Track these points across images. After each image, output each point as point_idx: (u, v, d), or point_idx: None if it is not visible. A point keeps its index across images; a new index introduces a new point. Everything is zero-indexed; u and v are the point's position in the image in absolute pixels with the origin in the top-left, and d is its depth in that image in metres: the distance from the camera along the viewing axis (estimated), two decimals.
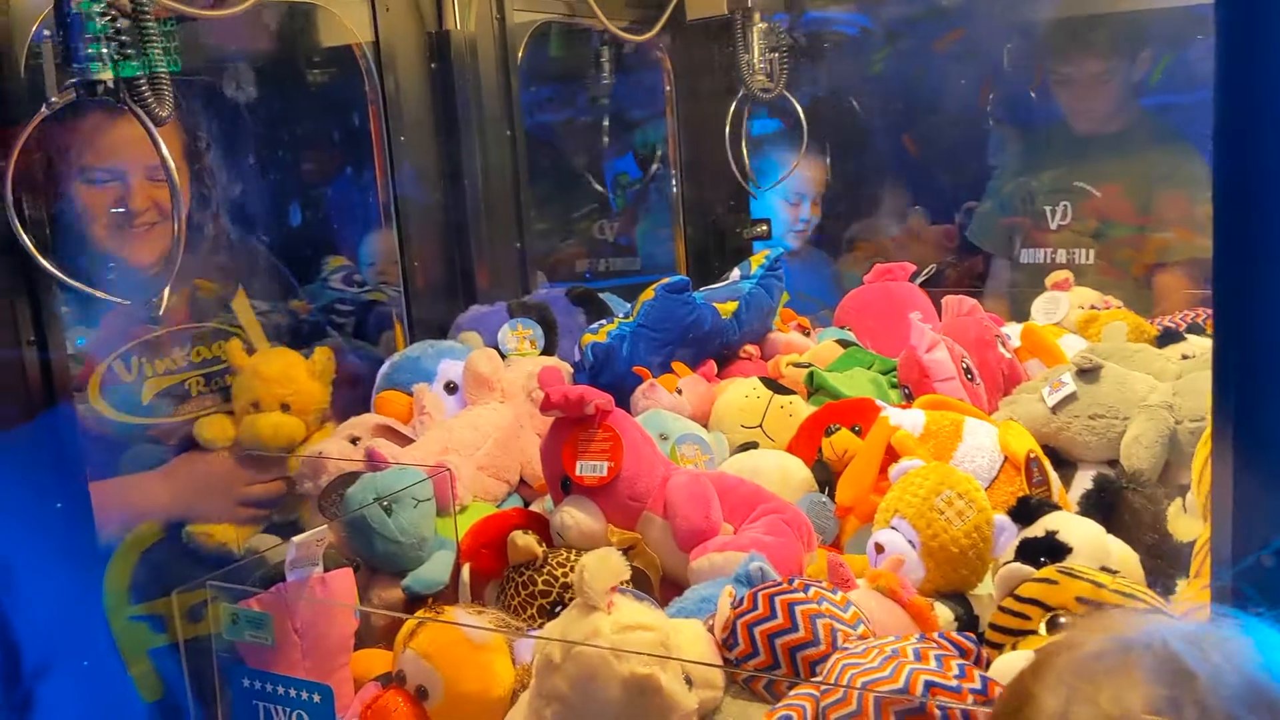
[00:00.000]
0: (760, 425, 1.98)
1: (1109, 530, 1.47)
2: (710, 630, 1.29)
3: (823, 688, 1.13)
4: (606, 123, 3.47)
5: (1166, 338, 2.18)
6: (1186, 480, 1.67)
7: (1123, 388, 1.82)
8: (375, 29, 2.24)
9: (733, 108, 3.12)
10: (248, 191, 2.29)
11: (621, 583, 1.26)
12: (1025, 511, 1.46)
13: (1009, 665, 1.17)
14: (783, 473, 1.81)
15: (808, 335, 2.49)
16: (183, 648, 1.37)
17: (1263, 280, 0.79)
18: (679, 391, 2.04)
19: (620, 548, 1.55)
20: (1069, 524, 1.41)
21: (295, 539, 1.40)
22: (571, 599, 1.55)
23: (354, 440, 2.04)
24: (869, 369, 2.13)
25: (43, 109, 1.60)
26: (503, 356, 2.21)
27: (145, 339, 2.10)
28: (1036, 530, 1.42)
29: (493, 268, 2.53)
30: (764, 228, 3.30)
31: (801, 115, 3.33)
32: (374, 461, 1.90)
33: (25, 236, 1.59)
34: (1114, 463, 1.80)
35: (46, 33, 1.62)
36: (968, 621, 1.43)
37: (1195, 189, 3.04)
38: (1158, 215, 3.09)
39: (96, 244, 1.99)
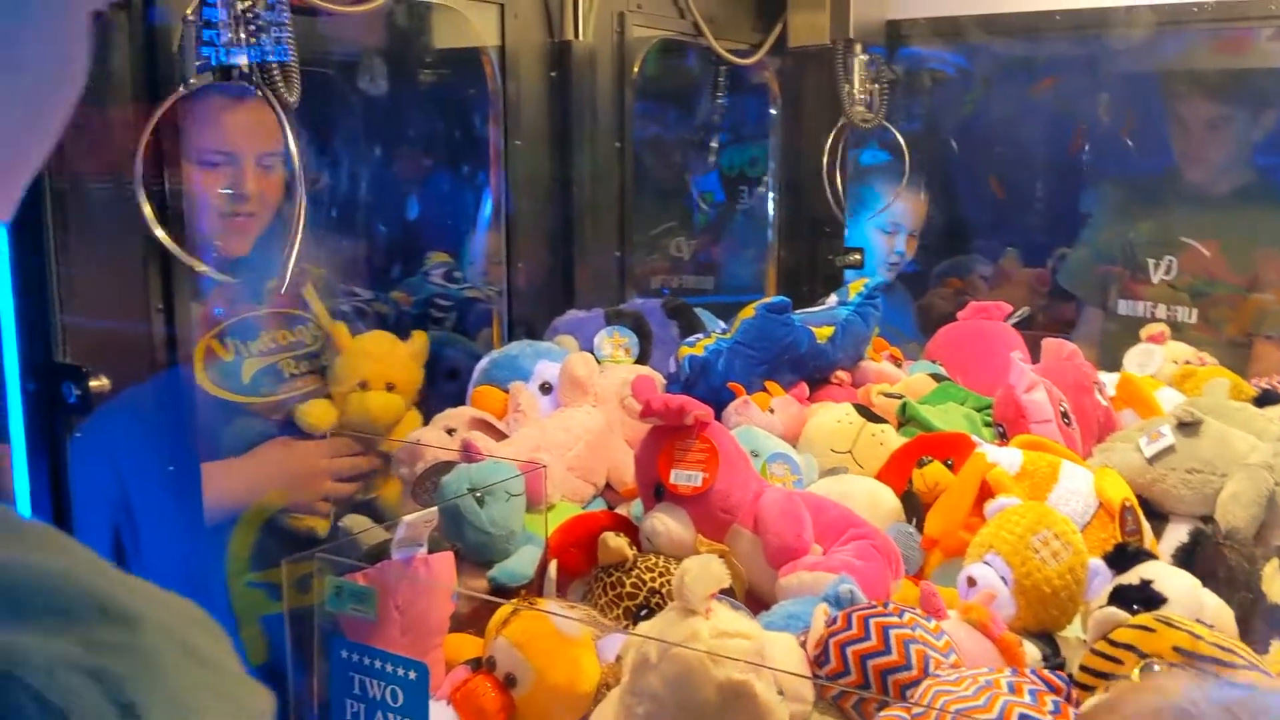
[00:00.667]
0: (850, 451, 1.99)
1: (1209, 585, 1.47)
2: (803, 646, 1.31)
3: (915, 711, 1.15)
4: (711, 142, 3.52)
5: (1266, 399, 2.16)
6: None
7: (1223, 444, 1.81)
8: (502, 34, 2.30)
9: (831, 135, 3.16)
10: (363, 182, 2.36)
11: (720, 590, 1.28)
12: (1121, 558, 1.46)
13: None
14: (872, 500, 1.82)
15: (899, 366, 2.49)
16: (287, 615, 1.42)
17: None
18: (771, 410, 2.06)
19: None
20: (1164, 574, 1.42)
21: (406, 519, 1.44)
22: (658, 604, 1.59)
23: (450, 431, 2.10)
24: (962, 404, 2.14)
25: (179, 89, 1.68)
26: (598, 362, 2.25)
27: (243, 318, 2.18)
28: (1131, 578, 1.42)
29: (593, 275, 2.57)
30: (857, 256, 3.31)
31: (904, 147, 3.35)
32: (469, 453, 1.95)
33: (148, 207, 1.65)
34: (1207, 518, 1.79)
35: (190, 14, 1.69)
36: (1054, 662, 1.43)
37: None
38: (1261, 277, 3.05)
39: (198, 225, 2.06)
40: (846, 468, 1.97)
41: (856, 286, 2.39)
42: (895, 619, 1.28)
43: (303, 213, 1.77)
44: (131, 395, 1.63)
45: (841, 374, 2.32)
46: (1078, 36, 3.25)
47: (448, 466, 1.93)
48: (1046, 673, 1.24)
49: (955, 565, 1.65)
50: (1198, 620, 1.33)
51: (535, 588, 1.78)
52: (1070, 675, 1.32)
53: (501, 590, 1.78)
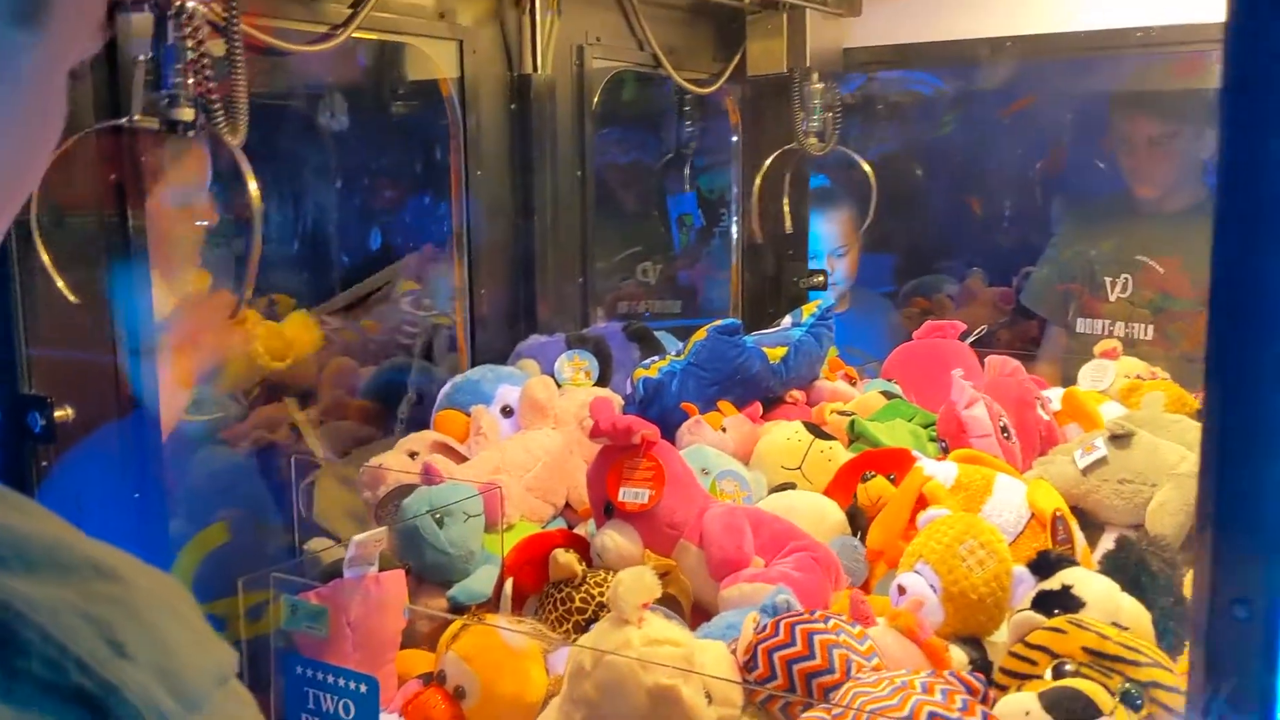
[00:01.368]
0: (800, 467, 2.06)
1: (1127, 590, 1.53)
2: (733, 652, 1.37)
3: (834, 712, 1.21)
4: (674, 168, 3.59)
5: None
6: None
7: (1153, 455, 1.87)
8: (461, 69, 2.38)
9: (770, 160, 3.25)
10: (330, 213, 2.43)
11: (653, 601, 1.34)
12: (1044, 565, 1.52)
13: (1011, 706, 1.24)
14: (818, 514, 1.88)
15: (854, 385, 2.56)
16: (243, 630, 1.48)
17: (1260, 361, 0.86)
18: (724, 429, 2.12)
19: (656, 573, 1.63)
20: (1084, 579, 1.48)
21: (355, 538, 1.50)
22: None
23: (412, 455, 2.15)
24: (910, 421, 2.20)
25: (122, 121, 1.72)
26: (558, 385, 2.31)
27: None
28: (1053, 583, 1.48)
29: (555, 300, 2.63)
30: (821, 278, 3.39)
31: (869, 171, 3.42)
32: (429, 476, 2.00)
33: (44, 253, 1.66)
34: (1139, 527, 1.85)
35: (143, 58, 1.70)
36: (982, 665, 1.49)
37: None
38: None
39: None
40: (795, 483, 2.03)
41: (810, 308, 2.46)
42: (820, 625, 1.34)
43: (258, 248, 1.83)
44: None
45: (796, 393, 2.38)
46: (1032, 60, 3.33)
47: (409, 489, 1.98)
48: (963, 674, 1.29)
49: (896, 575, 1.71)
50: (1113, 623, 1.40)
51: (493, 606, 1.84)
52: (993, 678, 1.38)
53: (461, 609, 1.84)
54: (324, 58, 2.25)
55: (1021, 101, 3.89)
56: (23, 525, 0.49)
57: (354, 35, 2.14)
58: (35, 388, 1.61)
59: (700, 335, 2.20)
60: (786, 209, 3.34)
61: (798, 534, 1.74)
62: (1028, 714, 1.22)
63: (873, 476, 1.90)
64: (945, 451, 2.04)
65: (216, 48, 1.72)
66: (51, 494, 1.67)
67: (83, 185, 1.76)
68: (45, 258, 1.65)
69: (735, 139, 3.31)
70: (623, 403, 2.25)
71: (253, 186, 1.82)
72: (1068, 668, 1.28)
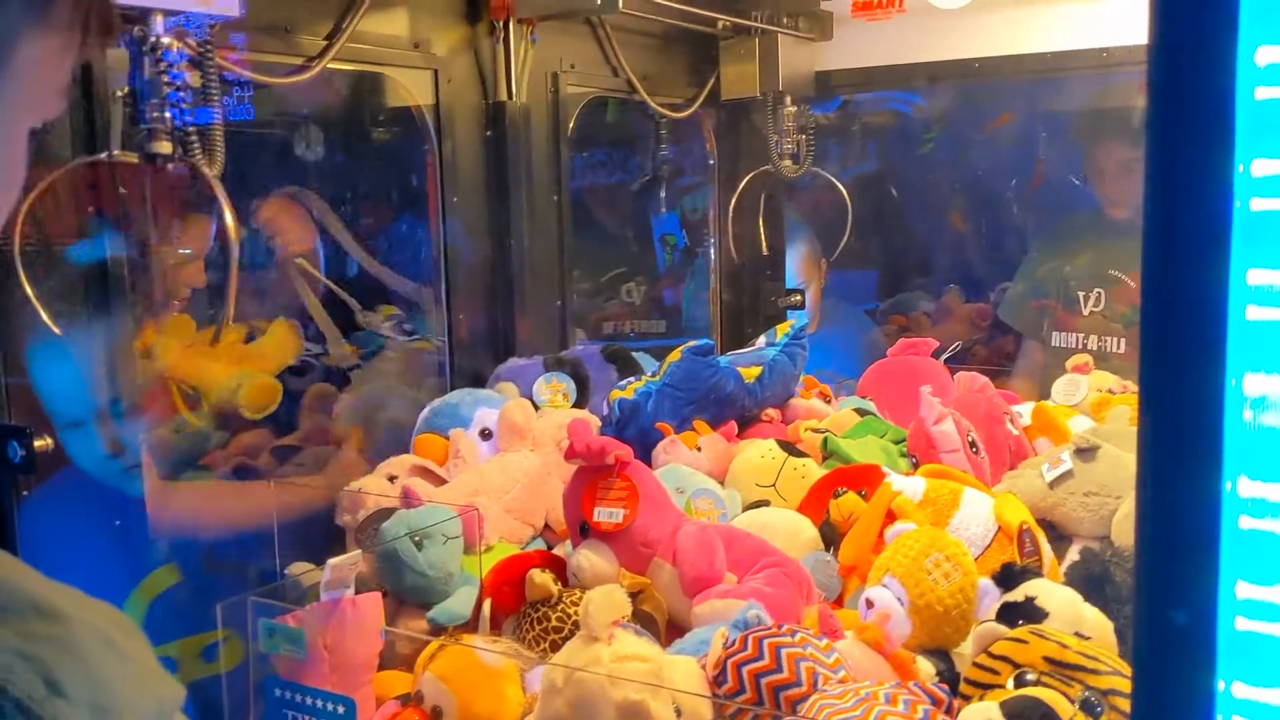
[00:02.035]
0: (774, 485, 2.09)
1: (1093, 600, 1.56)
2: (703, 667, 1.40)
3: None
4: (654, 189, 3.63)
5: None
6: None
7: (1118, 468, 1.91)
8: (437, 97, 2.41)
9: (743, 183, 3.31)
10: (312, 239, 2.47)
11: (623, 618, 1.37)
12: (1008, 577, 1.56)
13: (973, 715, 1.27)
14: (791, 530, 1.91)
15: (829, 403, 2.59)
16: (222, 651, 1.50)
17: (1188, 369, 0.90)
18: (699, 449, 2.15)
19: (630, 591, 1.66)
20: (1048, 591, 1.51)
21: (331, 562, 1.53)
22: None
23: (392, 478, 2.18)
24: (882, 437, 2.24)
25: (102, 156, 1.76)
26: (536, 407, 2.34)
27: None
28: (1017, 595, 1.51)
29: (533, 323, 2.67)
30: (798, 297, 3.43)
31: (844, 192, 3.46)
32: (408, 499, 2.03)
33: (28, 286, 1.69)
34: (1106, 538, 1.88)
35: (120, 93, 1.75)
36: (949, 677, 1.52)
37: None
38: None
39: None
40: (770, 501, 2.06)
41: (784, 328, 2.50)
42: (787, 639, 1.37)
43: (235, 275, 1.86)
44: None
45: (771, 411, 2.41)
46: (1002, 81, 3.38)
47: (388, 513, 2.01)
48: (928, 684, 1.33)
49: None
50: (1076, 632, 1.42)
51: (472, 627, 1.86)
52: (958, 688, 1.41)
53: (440, 630, 1.86)
54: (300, 87, 2.29)
55: (1000, 119, 3.95)
56: None
57: (329, 66, 2.18)
58: (15, 418, 1.64)
59: (675, 356, 2.23)
60: (762, 231, 3.38)
61: (769, 550, 1.76)
62: None
63: (844, 493, 1.93)
64: (916, 467, 2.07)
65: (193, 80, 1.75)
66: (33, 522, 1.69)
67: (65, 217, 1.79)
68: (29, 291, 1.68)
69: (711, 162, 3.35)
70: (600, 424, 2.28)
71: (229, 216, 1.86)
72: (1029, 677, 1.31)
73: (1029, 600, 1.48)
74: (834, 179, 3.52)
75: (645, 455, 2.14)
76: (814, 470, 2.10)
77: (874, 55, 3.27)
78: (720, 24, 3.07)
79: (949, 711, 1.29)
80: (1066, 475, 1.92)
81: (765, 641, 1.36)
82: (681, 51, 3.16)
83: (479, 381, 2.53)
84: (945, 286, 4.02)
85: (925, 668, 1.50)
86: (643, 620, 1.66)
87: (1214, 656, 0.89)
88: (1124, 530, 1.82)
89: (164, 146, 1.72)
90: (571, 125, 2.78)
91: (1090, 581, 1.64)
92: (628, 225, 3.79)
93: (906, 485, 1.82)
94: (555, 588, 1.72)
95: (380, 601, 1.66)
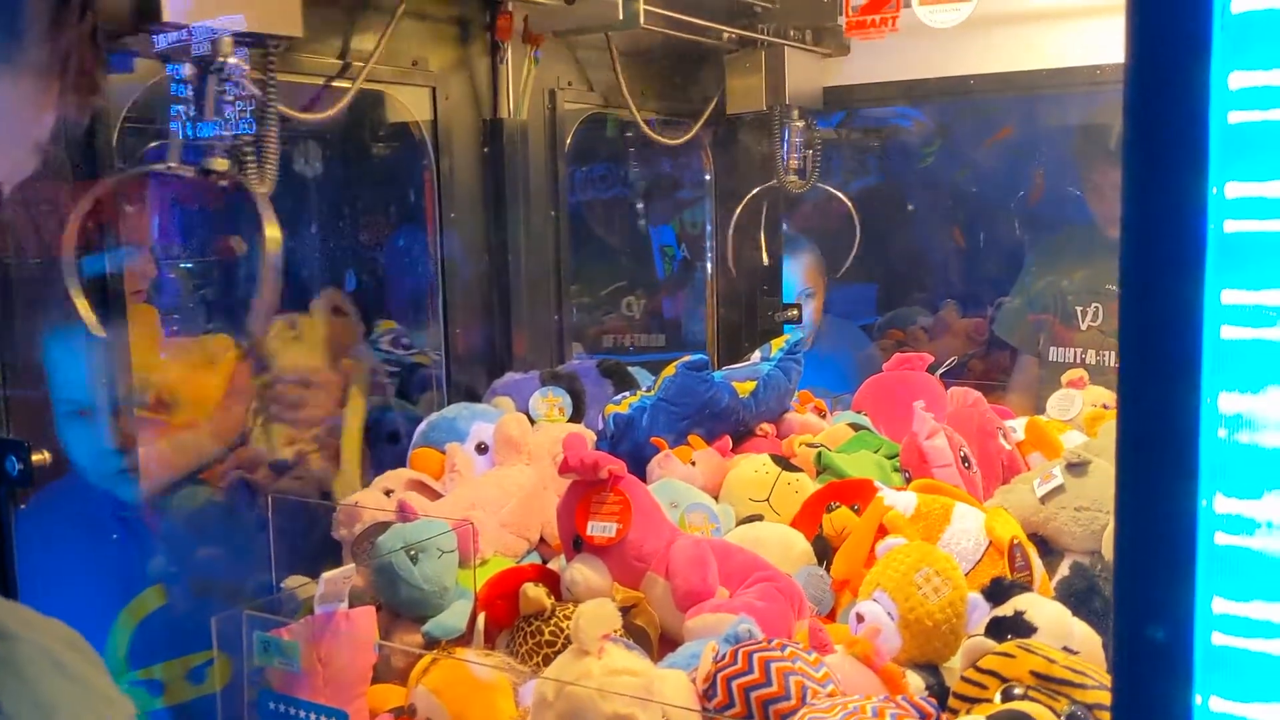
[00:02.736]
0: (767, 500, 2.10)
1: (1083, 615, 1.58)
2: (693, 681, 1.41)
3: None
4: (653, 202, 3.65)
5: None
6: None
7: (1109, 483, 1.91)
8: (435, 114, 2.43)
9: (747, 198, 3.30)
10: (310, 255, 2.48)
11: (615, 632, 1.38)
12: (997, 592, 1.57)
13: None
14: (784, 545, 1.92)
15: (824, 417, 2.61)
16: (217, 666, 1.51)
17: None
18: (693, 463, 2.17)
19: (623, 605, 1.67)
20: (1037, 605, 1.52)
21: (325, 575, 1.54)
22: None
23: (388, 492, 2.19)
24: (876, 452, 2.25)
25: (159, 166, 1.82)
26: (532, 422, 2.35)
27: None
28: (1006, 609, 1.52)
29: (530, 338, 2.68)
30: (795, 312, 3.44)
31: (853, 208, 3.46)
32: (404, 513, 2.04)
33: (80, 298, 1.74)
34: (1097, 553, 1.89)
35: (178, 110, 1.81)
36: (938, 691, 1.53)
37: None
38: None
39: None
40: (764, 516, 2.07)
41: (779, 342, 2.51)
42: (777, 653, 1.38)
43: (269, 287, 1.88)
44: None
45: (766, 426, 2.43)
46: (1000, 97, 3.40)
47: (384, 527, 2.02)
48: (916, 698, 1.34)
49: None
50: (1064, 647, 1.44)
51: (467, 640, 1.87)
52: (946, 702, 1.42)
53: (435, 644, 1.87)
54: (297, 104, 2.31)
55: (1000, 133, 3.96)
56: None
57: (330, 84, 2.21)
58: (13, 431, 1.65)
59: (670, 371, 2.25)
60: (764, 245, 3.39)
61: (761, 565, 1.77)
62: None
63: (837, 507, 1.94)
64: (909, 482, 2.09)
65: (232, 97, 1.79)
66: (30, 535, 1.70)
67: (59, 230, 1.81)
68: (77, 293, 1.72)
69: (708, 177, 3.37)
70: (595, 438, 2.29)
71: (271, 232, 1.88)
72: (1016, 691, 1.32)
73: (1018, 615, 1.50)
74: (841, 195, 3.51)
75: (640, 470, 2.16)
76: (808, 485, 2.11)
77: (884, 71, 3.26)
78: (726, 36, 3.06)
79: None
80: (1058, 490, 1.93)
81: (755, 656, 1.37)
82: (684, 66, 3.17)
83: (475, 396, 2.54)
84: (943, 301, 4.04)
85: (915, 682, 1.51)
86: (636, 634, 1.68)
87: (1191, 672, 0.91)
88: (1113, 545, 1.83)
89: (220, 163, 1.78)
90: (569, 141, 2.80)
91: (1079, 596, 1.65)
92: (627, 239, 3.82)
93: (898, 500, 1.83)
94: (548, 602, 1.73)
95: (374, 615, 1.67)
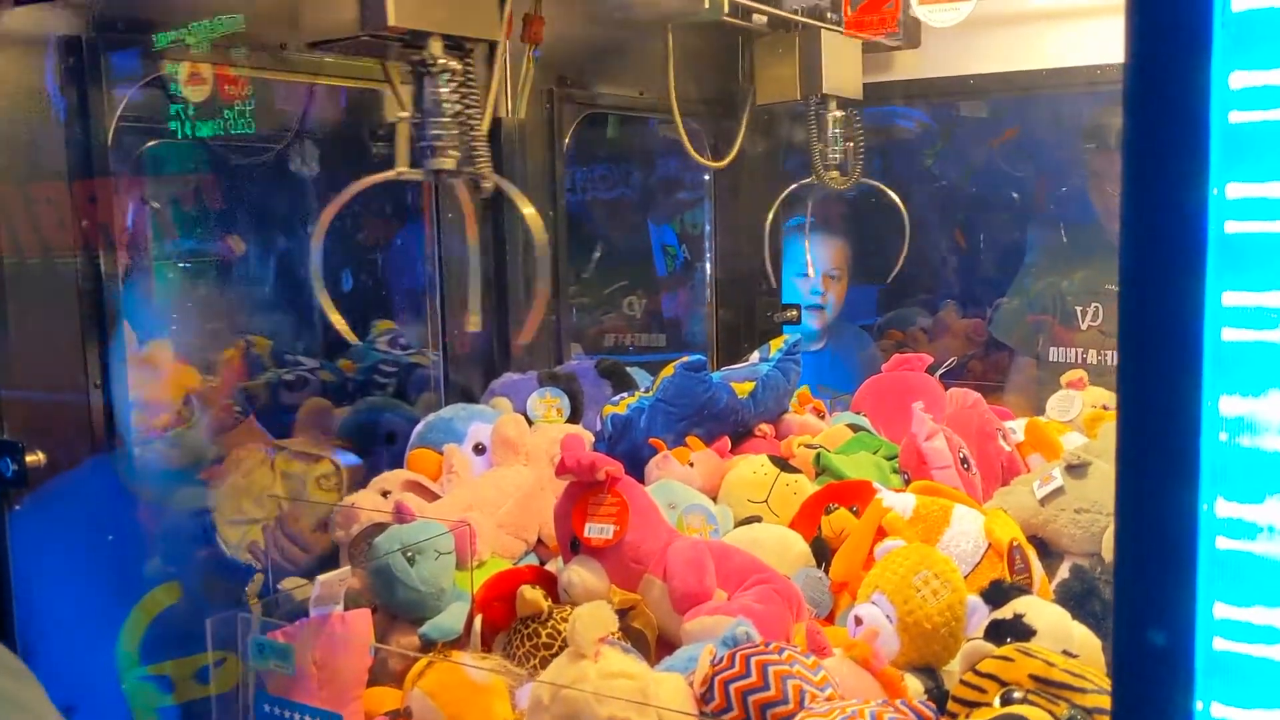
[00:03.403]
0: (766, 501, 2.09)
1: (1082, 618, 1.57)
2: (690, 684, 1.40)
3: None
4: (659, 201, 3.64)
5: None
6: None
7: (1108, 485, 1.90)
8: None
9: (784, 195, 3.21)
10: (304, 255, 2.48)
11: (611, 635, 1.37)
12: (997, 594, 1.56)
13: None
14: (782, 546, 1.92)
15: (823, 418, 2.60)
16: (212, 670, 1.50)
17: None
18: (691, 464, 2.16)
19: (621, 608, 1.66)
20: (1036, 608, 1.51)
21: (320, 578, 1.53)
22: None
23: (385, 494, 2.18)
24: (874, 453, 2.24)
25: (390, 174, 1.90)
26: (530, 422, 2.34)
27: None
28: (1006, 612, 1.51)
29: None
30: (794, 313, 3.43)
31: (900, 203, 3.38)
32: (401, 514, 2.03)
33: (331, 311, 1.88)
34: (1097, 555, 1.89)
35: (403, 115, 1.89)
36: (938, 695, 1.52)
37: None
38: None
39: None
40: (762, 517, 2.06)
41: (777, 343, 2.50)
42: (774, 657, 1.37)
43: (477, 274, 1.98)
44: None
45: (765, 427, 2.42)
46: (1022, 96, 3.37)
47: (381, 528, 2.01)
48: (915, 702, 1.33)
49: None
50: (1064, 650, 1.43)
51: (464, 642, 1.86)
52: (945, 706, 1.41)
53: (432, 646, 1.86)
54: (297, 101, 2.31)
55: (1008, 132, 3.94)
56: None
57: (330, 82, 2.20)
58: (8, 433, 1.64)
59: (668, 372, 2.24)
60: (808, 246, 3.30)
61: (760, 567, 1.76)
62: None
63: (835, 509, 1.93)
64: (908, 483, 2.08)
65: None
66: (23, 535, 1.70)
67: (54, 230, 1.81)
68: (334, 314, 1.88)
69: (707, 176, 3.35)
70: (593, 439, 2.28)
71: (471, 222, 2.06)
72: (1015, 695, 1.31)
73: (1017, 618, 1.49)
74: (891, 193, 3.38)
75: (638, 471, 2.15)
76: (806, 486, 2.10)
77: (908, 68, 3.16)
78: (765, 20, 2.85)
79: None
80: (1057, 492, 1.92)
81: (752, 659, 1.37)
82: (703, 55, 3.10)
83: (473, 396, 2.53)
84: (943, 301, 4.02)
85: (913, 685, 1.50)
86: (633, 637, 1.67)
87: (1192, 676, 0.90)
88: (1114, 548, 1.82)
89: (447, 162, 1.86)
90: (568, 140, 2.79)
91: (1079, 599, 1.64)
92: (629, 238, 3.81)
93: (897, 502, 1.82)
94: (545, 604, 1.72)
95: (369, 618, 1.66)
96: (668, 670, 1.52)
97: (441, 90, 1.82)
